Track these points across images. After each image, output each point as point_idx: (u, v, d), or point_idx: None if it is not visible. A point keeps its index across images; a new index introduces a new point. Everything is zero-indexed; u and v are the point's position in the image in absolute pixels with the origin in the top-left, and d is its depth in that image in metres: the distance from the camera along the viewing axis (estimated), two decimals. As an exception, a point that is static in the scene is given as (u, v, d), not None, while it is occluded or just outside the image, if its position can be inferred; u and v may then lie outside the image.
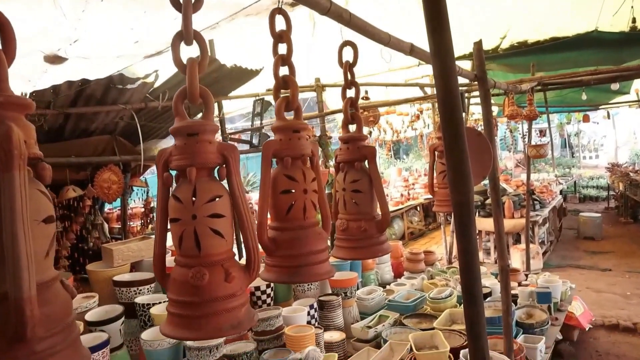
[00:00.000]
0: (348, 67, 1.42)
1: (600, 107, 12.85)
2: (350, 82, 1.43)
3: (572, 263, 7.77)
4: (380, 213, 1.39)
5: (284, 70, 1.17)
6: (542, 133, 14.48)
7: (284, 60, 1.15)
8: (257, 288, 3.39)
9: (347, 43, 1.43)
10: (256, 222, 1.09)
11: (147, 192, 4.72)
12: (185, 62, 0.89)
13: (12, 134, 0.60)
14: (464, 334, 3.24)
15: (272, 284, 3.51)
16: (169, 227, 0.91)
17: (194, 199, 0.85)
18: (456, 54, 1.43)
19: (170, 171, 0.90)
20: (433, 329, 3.39)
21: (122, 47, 3.92)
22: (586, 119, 13.43)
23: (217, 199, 0.87)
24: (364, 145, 1.39)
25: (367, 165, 1.41)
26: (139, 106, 4.70)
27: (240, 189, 0.90)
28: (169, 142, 5.91)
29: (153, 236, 0.94)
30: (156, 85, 4.72)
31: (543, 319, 3.51)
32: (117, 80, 4.23)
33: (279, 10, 1.12)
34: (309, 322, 3.36)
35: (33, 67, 3.81)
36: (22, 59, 3.94)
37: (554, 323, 3.68)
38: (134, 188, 4.97)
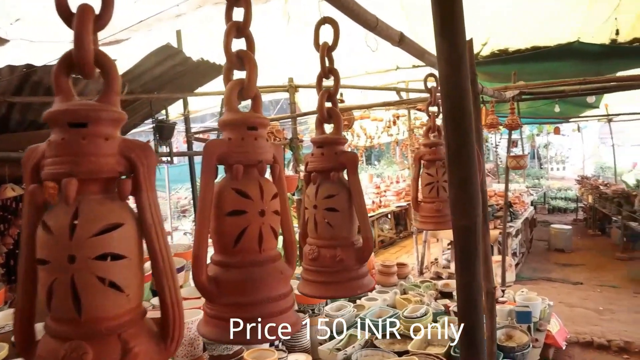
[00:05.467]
0: (326, 51, 1.11)
1: (570, 119, 13.00)
2: (328, 70, 1.12)
3: (543, 276, 7.67)
4: (360, 238, 1.08)
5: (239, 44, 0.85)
6: (514, 144, 14.56)
7: (240, 30, 0.83)
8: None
9: (325, 20, 1.12)
10: (192, 255, 0.77)
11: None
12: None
13: None
14: (441, 359, 2.99)
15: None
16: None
17: (74, 230, 0.52)
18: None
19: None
20: (407, 351, 3.13)
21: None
22: (557, 131, 13.57)
23: (112, 231, 0.54)
24: (343, 150, 1.09)
25: (345, 177, 1.10)
26: (95, 98, 4.30)
27: (154, 213, 0.58)
28: (135, 136, 5.48)
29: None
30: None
31: (524, 341, 3.28)
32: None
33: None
34: (271, 344, 3.04)
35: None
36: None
37: (534, 345, 3.46)
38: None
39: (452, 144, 1.01)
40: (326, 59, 1.12)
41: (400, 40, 1.54)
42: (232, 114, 0.81)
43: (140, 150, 0.57)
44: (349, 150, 1.17)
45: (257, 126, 0.81)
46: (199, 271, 0.77)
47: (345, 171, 1.10)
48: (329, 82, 1.15)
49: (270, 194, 0.81)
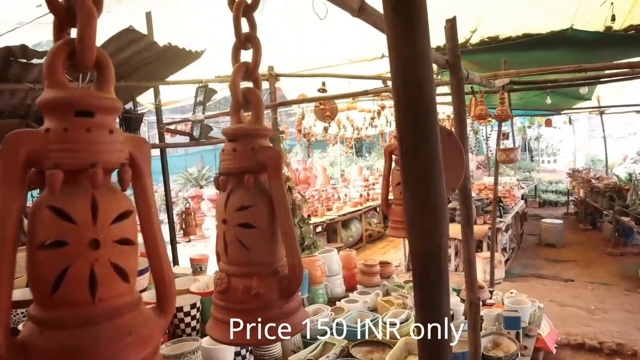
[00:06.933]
0: (244, 10, 0.83)
1: (562, 111, 12.78)
2: (245, 37, 0.83)
3: (534, 272, 7.46)
4: (286, 264, 0.81)
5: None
6: (504, 136, 14.36)
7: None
8: (180, 309, 2.80)
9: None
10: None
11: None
12: None
13: None
14: (421, 371, 2.74)
15: (197, 303, 2.90)
16: None
17: None
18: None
19: None
20: (385, 362, 2.88)
21: (23, 11, 3.18)
22: (549, 123, 13.35)
23: None
24: (264, 146, 0.81)
25: (267, 182, 0.82)
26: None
27: None
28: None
29: None
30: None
31: (512, 350, 3.04)
32: (18, 52, 3.49)
33: None
34: (238, 354, 2.78)
35: None
36: None
37: (523, 353, 3.23)
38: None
39: (406, 134, 0.73)
40: (245, 21, 0.84)
41: (361, 10, 1.26)
42: (54, 90, 0.52)
43: None
44: (279, 148, 0.89)
45: (93, 110, 0.52)
46: (-6, 335, 0.49)
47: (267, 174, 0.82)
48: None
49: (110, 214, 0.53)
